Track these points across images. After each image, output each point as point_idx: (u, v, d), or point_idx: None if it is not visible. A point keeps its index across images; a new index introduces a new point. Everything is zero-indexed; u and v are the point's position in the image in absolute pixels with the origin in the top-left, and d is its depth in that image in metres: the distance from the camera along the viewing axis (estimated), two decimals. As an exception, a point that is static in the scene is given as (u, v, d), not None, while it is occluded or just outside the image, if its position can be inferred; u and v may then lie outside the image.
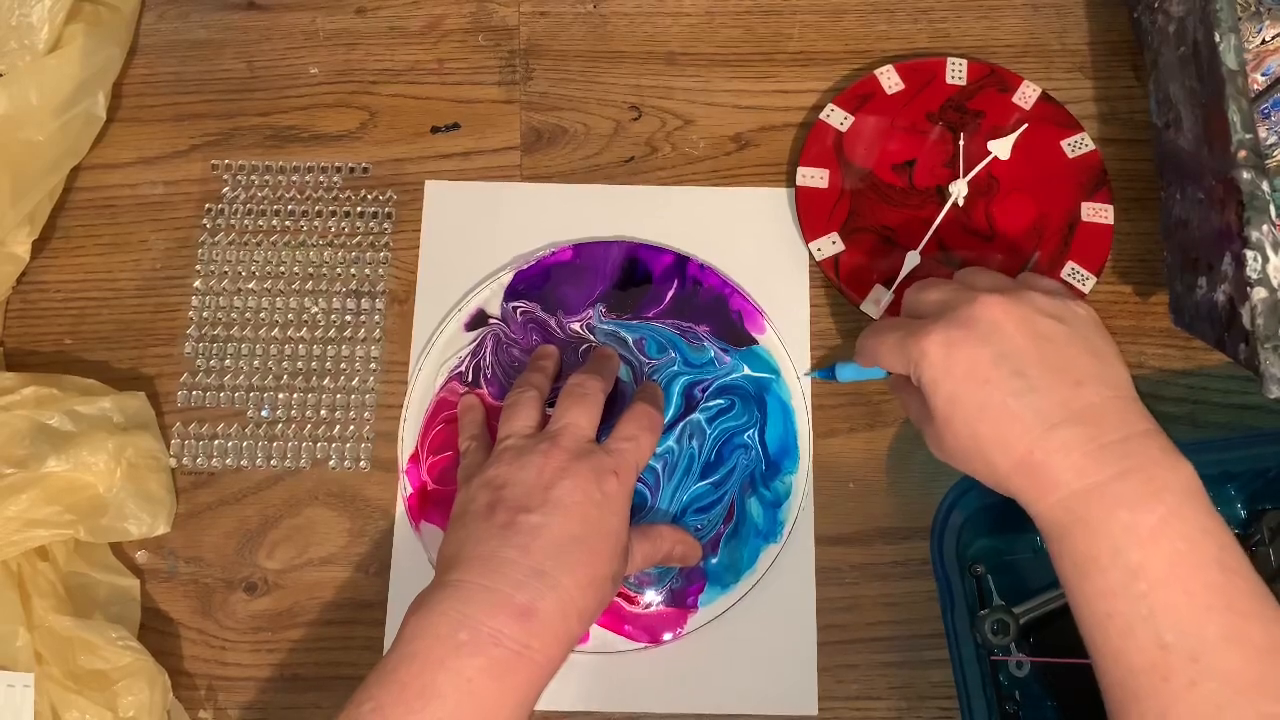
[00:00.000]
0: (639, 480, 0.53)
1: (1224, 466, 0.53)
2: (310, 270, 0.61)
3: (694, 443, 0.57)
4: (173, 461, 0.58)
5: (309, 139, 0.63)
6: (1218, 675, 0.38)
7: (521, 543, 0.46)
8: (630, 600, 0.55)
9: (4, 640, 0.50)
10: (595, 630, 0.54)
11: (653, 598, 0.55)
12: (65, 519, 0.52)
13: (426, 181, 0.62)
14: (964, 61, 0.63)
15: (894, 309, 0.58)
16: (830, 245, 0.59)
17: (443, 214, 0.62)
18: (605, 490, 0.48)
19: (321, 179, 0.62)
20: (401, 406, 0.58)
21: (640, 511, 0.55)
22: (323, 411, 0.59)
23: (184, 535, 0.57)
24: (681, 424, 0.57)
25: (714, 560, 0.55)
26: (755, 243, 0.61)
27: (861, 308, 0.59)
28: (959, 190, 0.59)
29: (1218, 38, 0.51)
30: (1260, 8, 0.56)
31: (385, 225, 0.62)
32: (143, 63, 0.65)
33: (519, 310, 0.59)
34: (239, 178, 0.62)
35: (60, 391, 0.55)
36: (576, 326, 0.59)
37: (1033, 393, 0.42)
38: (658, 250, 0.60)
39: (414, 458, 0.57)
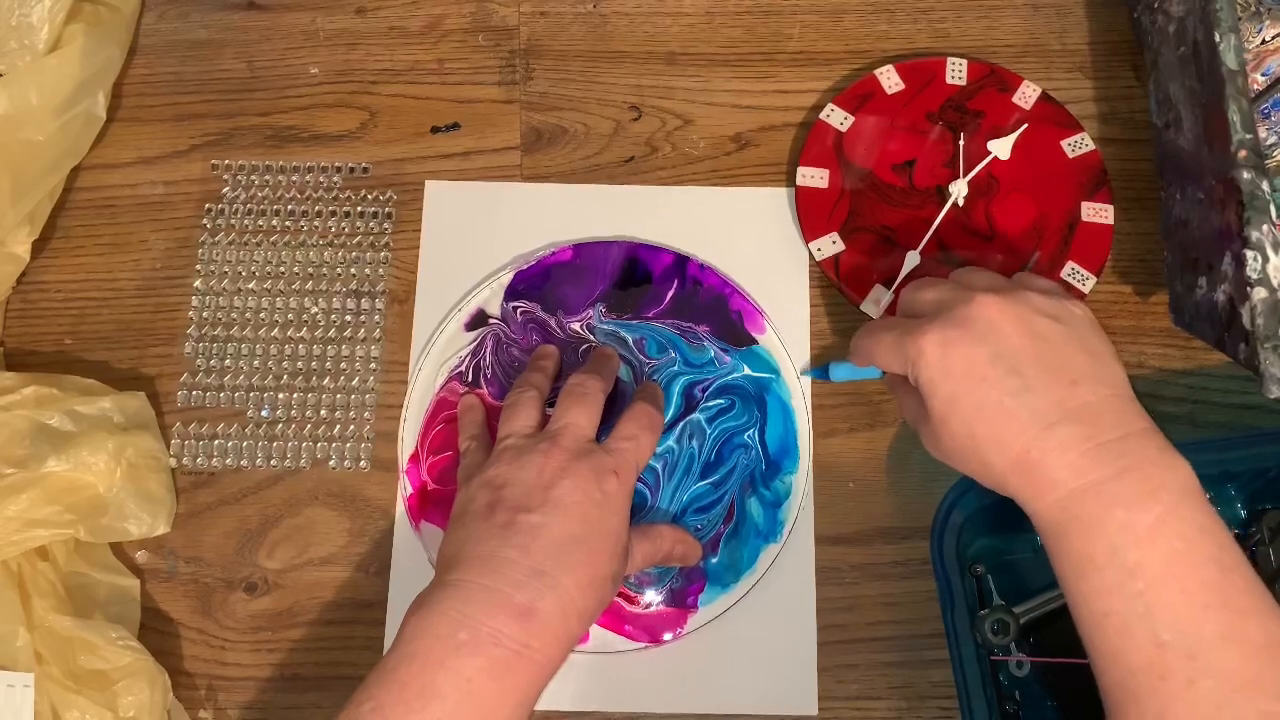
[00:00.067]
0: (639, 480, 0.53)
1: (1224, 466, 0.53)
2: (310, 270, 0.61)
3: (694, 442, 0.57)
4: (173, 461, 0.58)
5: (309, 139, 0.63)
6: (1215, 673, 0.38)
7: (521, 543, 0.46)
8: (630, 600, 0.55)
9: (4, 640, 0.50)
10: (595, 630, 0.54)
11: (653, 598, 0.55)
12: (65, 519, 0.52)
13: (426, 181, 0.62)
14: (964, 61, 0.63)
15: (894, 309, 0.58)
16: (830, 245, 0.59)
17: (443, 214, 0.62)
18: (605, 490, 0.48)
19: (321, 179, 0.62)
20: (401, 406, 0.58)
21: (640, 511, 0.55)
22: (323, 411, 0.59)
23: (184, 535, 0.57)
24: (681, 424, 0.57)
25: (714, 560, 0.56)
26: (755, 243, 0.61)
27: (861, 308, 0.59)
28: (959, 190, 0.59)
29: (1218, 38, 0.51)
30: (1260, 8, 0.56)
31: (385, 225, 0.62)
32: (143, 63, 0.65)
33: (519, 310, 0.59)
34: (239, 178, 0.62)
35: (60, 391, 0.55)
36: (576, 326, 0.59)
37: (1029, 392, 0.42)
38: (658, 250, 0.60)
39: (414, 458, 0.57)
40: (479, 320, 0.59)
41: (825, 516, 0.57)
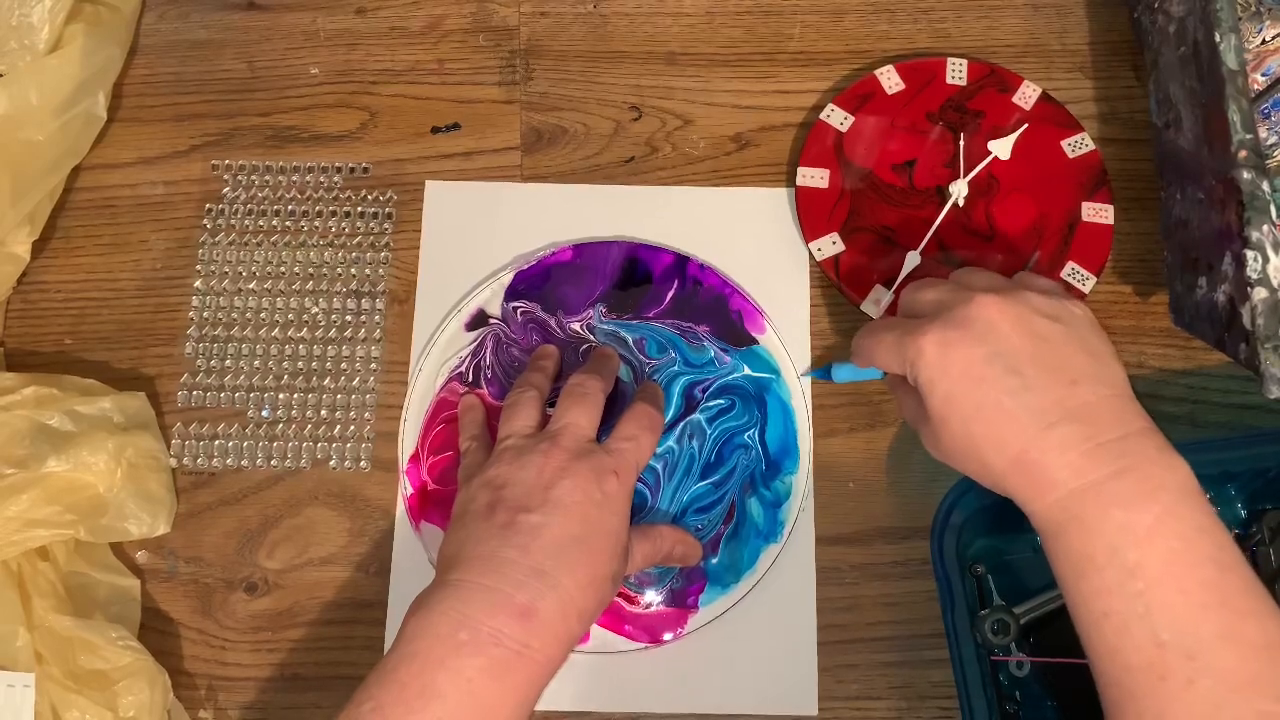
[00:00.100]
0: (639, 480, 0.53)
1: (1224, 466, 0.53)
2: (310, 270, 0.61)
3: (694, 443, 0.57)
4: (173, 461, 0.58)
5: (309, 139, 0.63)
6: (1214, 673, 0.38)
7: (521, 542, 0.46)
8: (630, 600, 0.55)
9: (4, 640, 0.50)
10: (595, 630, 0.54)
11: (653, 598, 0.55)
12: (65, 519, 0.52)
13: (427, 181, 0.62)
14: (964, 61, 0.63)
15: (894, 309, 0.58)
16: (830, 245, 0.59)
17: (443, 214, 0.62)
18: (605, 490, 0.48)
19: (322, 179, 0.62)
20: (402, 406, 0.58)
21: (640, 511, 0.55)
22: (323, 411, 0.59)
23: (184, 535, 0.57)
24: (682, 424, 0.57)
25: (714, 560, 0.56)
26: (755, 243, 0.61)
27: (861, 308, 0.59)
28: (959, 190, 0.59)
29: (1218, 38, 0.51)
30: (1260, 8, 0.56)
31: (385, 225, 0.62)
32: (143, 63, 0.65)
33: (519, 310, 0.59)
34: (239, 178, 0.62)
35: (60, 391, 0.55)
36: (576, 326, 0.59)
37: (1028, 392, 0.42)
38: (658, 250, 0.60)
39: (414, 458, 0.57)
40: (479, 320, 0.59)
41: (825, 516, 0.57)
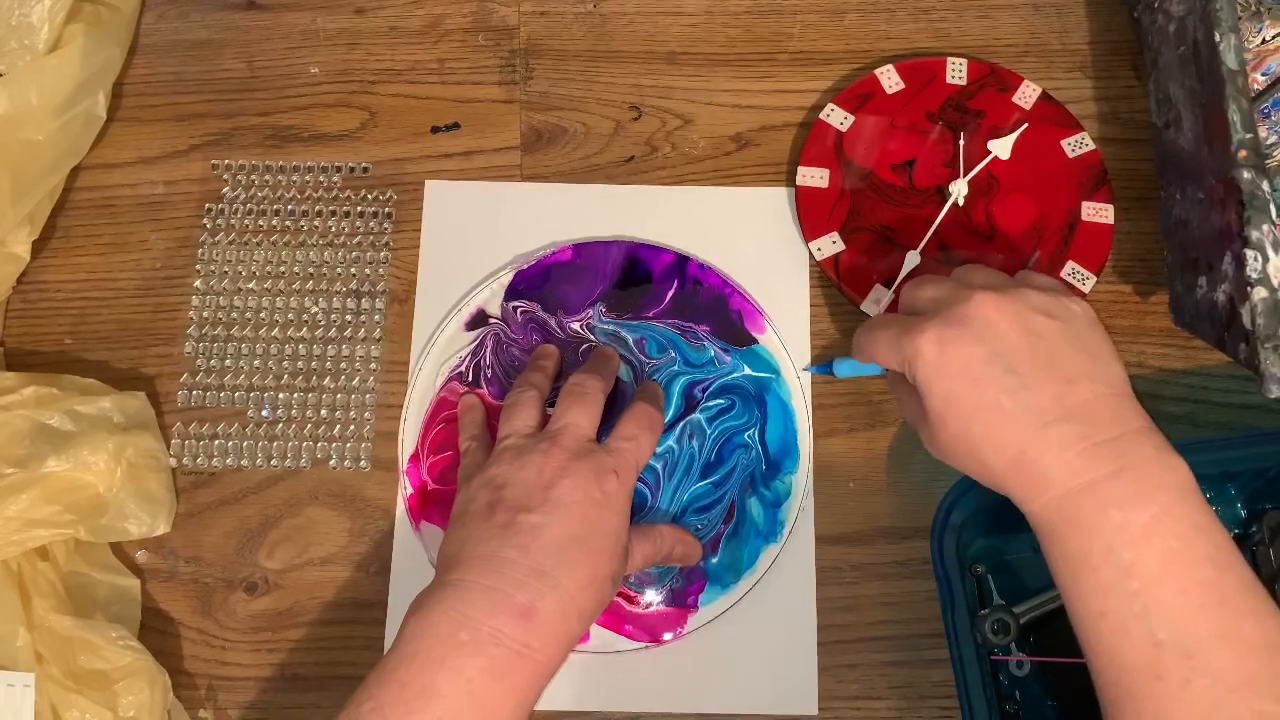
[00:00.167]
0: (639, 480, 0.53)
1: (1224, 466, 0.53)
2: (310, 270, 0.61)
3: (694, 442, 0.57)
4: (173, 461, 0.58)
5: (309, 139, 0.63)
6: (1211, 673, 0.38)
7: (521, 542, 0.46)
8: (630, 600, 0.55)
9: (4, 640, 0.50)
10: (595, 630, 0.54)
11: (653, 597, 0.55)
12: (65, 519, 0.52)
13: (427, 181, 0.62)
14: (964, 61, 0.63)
15: (894, 309, 0.58)
16: (830, 245, 0.59)
17: (443, 214, 0.62)
18: (605, 490, 0.48)
19: (321, 179, 0.62)
20: (402, 406, 0.58)
21: (640, 511, 0.55)
22: (323, 411, 0.59)
23: (184, 535, 0.57)
24: (681, 424, 0.57)
25: (714, 560, 0.56)
26: (755, 242, 0.61)
27: (862, 307, 0.59)
28: (959, 190, 0.59)
29: (1218, 37, 0.51)
30: (1260, 8, 0.56)
31: (385, 225, 0.62)
32: (143, 63, 0.65)
33: (519, 310, 0.59)
34: (239, 178, 0.62)
35: (60, 391, 0.55)
36: (576, 326, 0.59)
37: (1025, 391, 0.42)
38: (658, 250, 0.60)
39: (414, 457, 0.57)
40: (479, 320, 0.59)
41: (825, 516, 0.57)
